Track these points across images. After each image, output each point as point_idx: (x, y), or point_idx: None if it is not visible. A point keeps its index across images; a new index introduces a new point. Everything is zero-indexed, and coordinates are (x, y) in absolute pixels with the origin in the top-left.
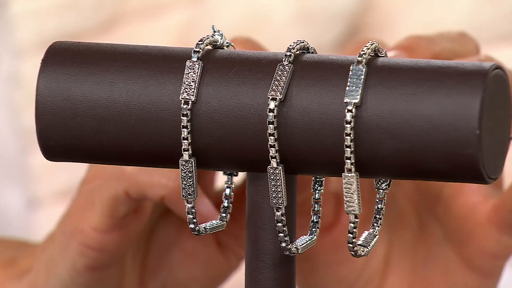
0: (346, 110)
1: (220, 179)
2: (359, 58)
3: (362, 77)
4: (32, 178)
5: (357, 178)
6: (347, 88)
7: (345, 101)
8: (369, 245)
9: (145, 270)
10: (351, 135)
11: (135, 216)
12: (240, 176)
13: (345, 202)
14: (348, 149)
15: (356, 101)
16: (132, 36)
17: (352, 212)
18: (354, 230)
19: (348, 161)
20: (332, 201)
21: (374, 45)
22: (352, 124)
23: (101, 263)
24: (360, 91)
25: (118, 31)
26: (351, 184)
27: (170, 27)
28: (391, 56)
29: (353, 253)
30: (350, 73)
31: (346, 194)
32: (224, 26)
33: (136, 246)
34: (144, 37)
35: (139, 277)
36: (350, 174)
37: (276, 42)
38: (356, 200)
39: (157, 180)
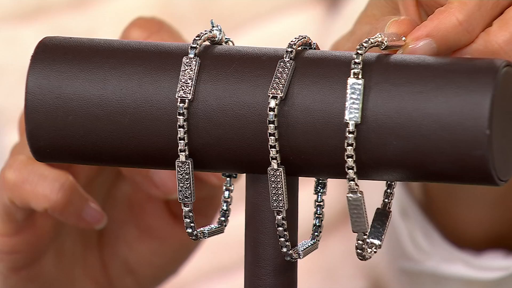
0: None
1: None
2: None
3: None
4: None
5: (363, 198)
6: None
7: None
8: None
9: (103, 250)
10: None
11: (42, 213)
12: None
13: (352, 222)
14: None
15: None
16: None
17: (361, 231)
18: (364, 246)
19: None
20: None
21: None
22: None
23: (22, 263)
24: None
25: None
26: (358, 205)
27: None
28: None
29: (361, 258)
30: None
31: (353, 214)
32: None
33: (83, 231)
34: None
35: (99, 258)
36: (355, 196)
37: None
38: (364, 219)
39: (41, 192)
